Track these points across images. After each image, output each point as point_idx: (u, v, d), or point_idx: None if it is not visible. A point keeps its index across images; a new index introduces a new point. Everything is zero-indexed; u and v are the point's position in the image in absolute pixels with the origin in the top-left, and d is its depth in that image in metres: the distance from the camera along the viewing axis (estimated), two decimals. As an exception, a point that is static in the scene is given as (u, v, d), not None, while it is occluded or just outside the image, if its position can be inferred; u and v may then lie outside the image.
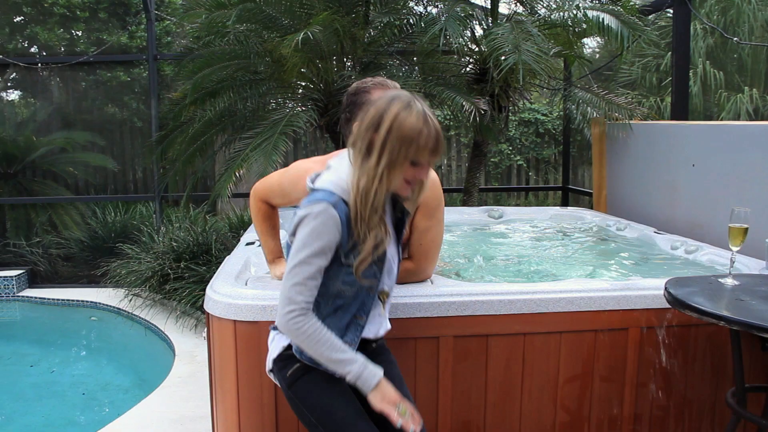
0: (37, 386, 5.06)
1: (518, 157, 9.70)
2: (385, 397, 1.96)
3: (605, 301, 2.60)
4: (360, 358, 1.97)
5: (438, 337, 2.50)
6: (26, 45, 8.91)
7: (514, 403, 2.62)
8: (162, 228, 7.00)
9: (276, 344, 2.13)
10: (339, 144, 5.84)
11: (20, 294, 7.46)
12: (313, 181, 2.08)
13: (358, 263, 1.96)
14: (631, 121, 5.22)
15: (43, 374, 5.35)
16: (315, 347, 1.93)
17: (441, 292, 2.51)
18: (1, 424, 4.42)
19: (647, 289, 2.64)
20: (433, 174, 2.45)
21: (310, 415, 2.05)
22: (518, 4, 6.19)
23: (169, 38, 8.85)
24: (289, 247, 2.02)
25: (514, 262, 4.07)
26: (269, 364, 2.17)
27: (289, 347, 2.09)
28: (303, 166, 2.59)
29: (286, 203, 2.65)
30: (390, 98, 1.94)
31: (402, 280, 2.55)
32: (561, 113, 8.41)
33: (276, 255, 2.73)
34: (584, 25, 5.40)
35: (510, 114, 6.38)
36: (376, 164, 1.91)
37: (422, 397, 2.54)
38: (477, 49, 6.06)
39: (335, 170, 2.06)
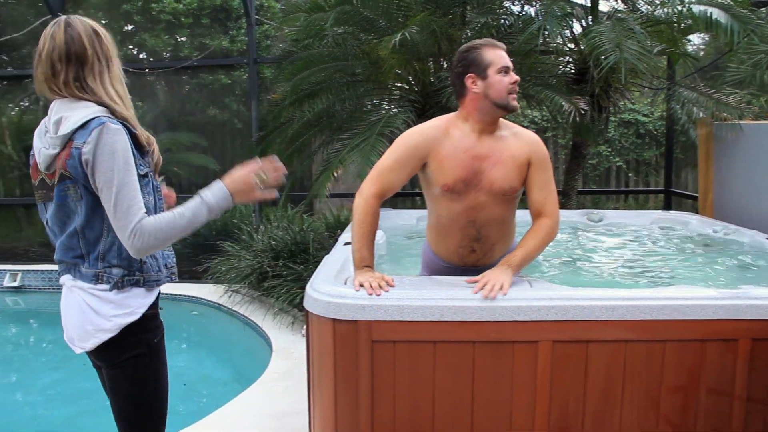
0: (142, 375, 5.26)
1: (617, 159, 9.43)
2: (239, 182, 2.14)
3: (713, 310, 2.48)
4: (198, 198, 2.09)
5: (537, 342, 2.46)
6: (135, 52, 9.35)
7: (614, 412, 2.54)
8: (261, 227, 7.19)
9: (135, 301, 2.14)
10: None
11: (128, 287, 7.82)
12: None
13: None
14: (741, 122, 4.98)
15: (148, 364, 5.56)
16: (175, 232, 2.05)
17: (540, 296, 2.47)
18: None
19: (760, 299, 2.51)
20: (533, 134, 2.78)
21: (155, 388, 2.22)
22: (619, 1, 6.02)
23: (268, 42, 9.07)
24: None
25: (615, 266, 3.97)
26: (115, 327, 2.09)
27: (153, 305, 2.20)
28: (411, 131, 2.77)
29: (403, 179, 2.75)
30: None
31: (547, 240, 2.69)
32: (663, 114, 8.12)
33: (366, 263, 2.68)
34: (690, 21, 5.20)
35: (610, 114, 6.22)
36: None
37: (519, 402, 2.50)
38: (576, 48, 5.94)
39: None
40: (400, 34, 4.66)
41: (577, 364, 2.49)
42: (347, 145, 5.15)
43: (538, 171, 2.69)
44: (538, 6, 5.83)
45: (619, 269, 3.93)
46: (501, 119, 2.74)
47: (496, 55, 2.62)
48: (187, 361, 5.82)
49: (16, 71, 8.95)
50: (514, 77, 2.63)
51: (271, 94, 7.61)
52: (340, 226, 6.74)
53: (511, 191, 2.70)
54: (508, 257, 2.66)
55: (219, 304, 6.71)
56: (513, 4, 6.24)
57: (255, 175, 2.13)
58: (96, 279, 2.08)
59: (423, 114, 5.63)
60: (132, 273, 2.11)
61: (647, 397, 2.53)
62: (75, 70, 2.01)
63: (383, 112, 5.54)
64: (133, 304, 2.11)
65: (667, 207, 7.42)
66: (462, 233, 2.77)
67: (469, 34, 5.90)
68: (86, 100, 2.03)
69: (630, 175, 9.53)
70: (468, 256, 2.83)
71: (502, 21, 5.92)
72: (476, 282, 2.54)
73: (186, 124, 8.97)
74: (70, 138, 1.98)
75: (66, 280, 2.16)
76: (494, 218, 2.74)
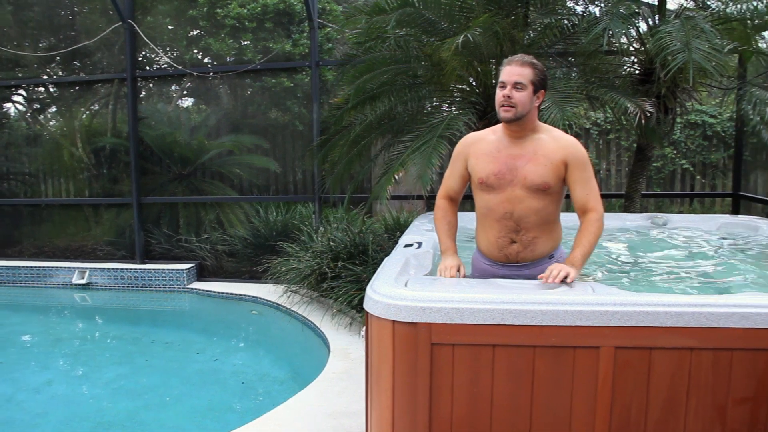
0: (201, 372, 5.39)
1: (683, 161, 9.17)
2: None
3: (785, 319, 2.39)
4: None
5: (598, 348, 2.42)
6: (200, 56, 9.55)
7: (677, 422, 2.48)
8: (320, 228, 7.26)
9: None
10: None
11: (189, 286, 8.03)
12: None
13: None
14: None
15: (208, 362, 5.69)
16: None
17: (603, 301, 2.43)
18: (172, 404, 4.77)
19: (835, 307, 2.40)
20: (572, 138, 3.02)
21: None
22: (689, -1, 5.86)
23: (330, 45, 9.15)
24: None
25: (679, 272, 3.87)
26: None
27: None
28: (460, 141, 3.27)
29: (459, 180, 3.21)
30: None
31: (598, 233, 2.90)
32: (733, 114, 7.87)
33: (444, 249, 3.18)
34: (767, 17, 5.02)
35: (677, 116, 6.07)
36: None
37: (579, 408, 2.46)
38: (642, 48, 5.81)
39: None
40: (462, 36, 4.64)
41: (639, 372, 2.44)
42: (408, 147, 5.15)
43: (576, 170, 2.95)
44: (602, 6, 5.72)
45: (684, 275, 3.83)
46: (541, 123, 3.08)
47: (502, 71, 3.00)
48: (245, 359, 5.92)
49: (88, 77, 9.26)
50: (504, 92, 2.94)
51: (332, 97, 7.67)
52: (399, 227, 6.75)
53: (544, 186, 2.96)
54: (570, 259, 2.84)
55: (278, 304, 6.81)
56: (576, 4, 6.13)
57: None
58: None
59: (485, 115, 5.60)
60: None
61: (713, 408, 2.46)
62: None
63: (444, 114, 5.52)
64: None
65: (735, 211, 7.21)
66: (500, 225, 3.06)
67: (532, 35, 5.84)
68: None
69: (697, 177, 9.27)
70: (508, 247, 3.07)
71: (565, 22, 5.83)
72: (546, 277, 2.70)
73: (248, 126, 9.12)
74: None
75: None
76: (531, 210, 3.00)
